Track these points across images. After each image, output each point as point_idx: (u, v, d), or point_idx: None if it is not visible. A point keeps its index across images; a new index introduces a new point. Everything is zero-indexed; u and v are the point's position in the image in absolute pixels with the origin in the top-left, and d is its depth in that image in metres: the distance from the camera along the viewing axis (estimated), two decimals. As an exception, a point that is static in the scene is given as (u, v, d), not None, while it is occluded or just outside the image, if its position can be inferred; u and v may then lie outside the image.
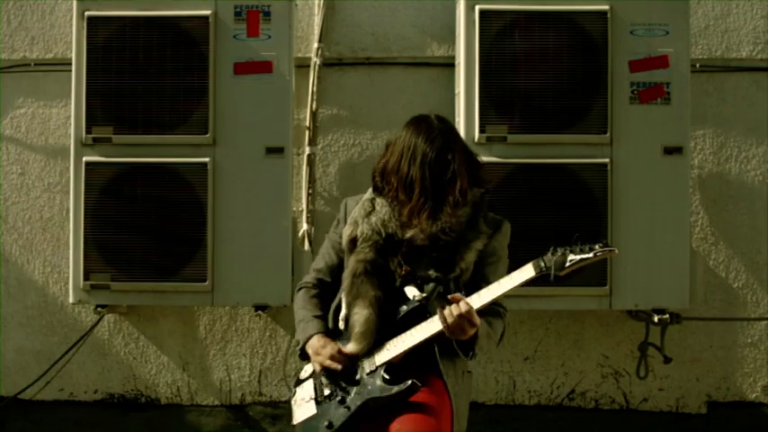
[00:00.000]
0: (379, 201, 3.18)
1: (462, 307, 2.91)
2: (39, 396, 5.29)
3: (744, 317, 5.21)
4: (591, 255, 2.81)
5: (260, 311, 4.94)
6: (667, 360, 5.06)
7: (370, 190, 3.26)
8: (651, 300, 4.78)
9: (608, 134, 4.72)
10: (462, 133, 4.74)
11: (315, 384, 3.15)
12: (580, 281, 4.70)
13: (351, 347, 3.08)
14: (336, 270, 3.28)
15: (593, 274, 4.70)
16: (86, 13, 4.78)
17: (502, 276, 3.13)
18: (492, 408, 5.22)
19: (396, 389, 2.99)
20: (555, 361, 5.23)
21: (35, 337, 5.32)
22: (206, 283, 4.77)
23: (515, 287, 2.95)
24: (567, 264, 2.82)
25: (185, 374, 5.30)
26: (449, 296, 2.96)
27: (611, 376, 5.22)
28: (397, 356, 3.03)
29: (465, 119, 4.75)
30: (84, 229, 4.78)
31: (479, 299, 2.96)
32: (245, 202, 4.79)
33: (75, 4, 4.83)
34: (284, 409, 5.26)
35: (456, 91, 4.94)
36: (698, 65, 5.11)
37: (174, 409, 5.30)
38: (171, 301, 4.92)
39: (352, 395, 3.04)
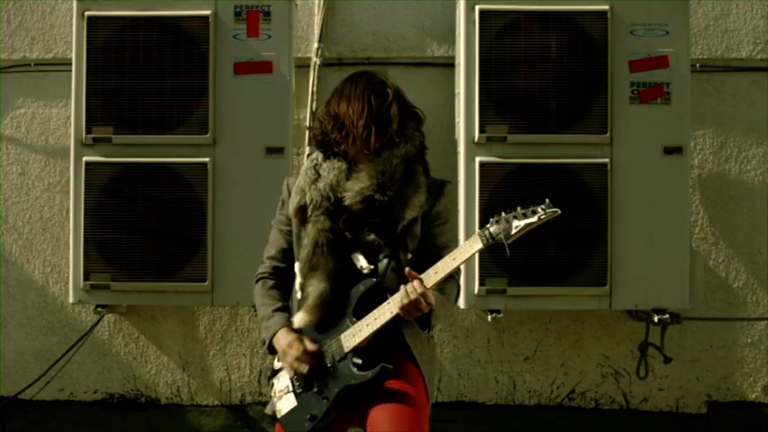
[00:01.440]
0: (324, 165, 3.18)
1: (418, 288, 2.91)
2: (39, 396, 5.28)
3: (744, 317, 5.21)
4: (535, 219, 2.78)
5: (260, 311, 4.94)
6: (667, 360, 5.06)
7: (307, 162, 3.24)
8: (651, 300, 4.78)
9: (608, 134, 4.72)
10: (462, 133, 4.75)
11: (291, 376, 3.15)
12: (580, 281, 4.71)
13: (299, 319, 3.08)
14: (289, 253, 3.24)
15: (594, 274, 4.71)
16: (86, 13, 4.78)
17: (451, 238, 3.14)
18: (492, 408, 5.22)
19: (370, 374, 2.99)
20: (555, 361, 5.23)
21: (35, 337, 5.32)
22: (206, 283, 4.77)
23: (467, 259, 2.92)
24: (513, 231, 2.79)
25: (185, 374, 5.30)
26: (405, 271, 2.95)
27: (611, 376, 5.22)
28: (362, 341, 3.03)
29: (465, 119, 4.75)
30: (84, 229, 4.78)
31: (435, 275, 2.94)
32: (245, 202, 4.78)
33: (75, 4, 4.83)
34: (284, 409, 5.26)
35: (456, 91, 4.94)
36: (698, 65, 5.11)
37: (174, 409, 5.30)
38: (171, 301, 4.92)
39: (329, 385, 3.05)
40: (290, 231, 3.21)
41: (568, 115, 4.72)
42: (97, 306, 4.90)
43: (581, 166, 4.71)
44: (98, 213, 4.78)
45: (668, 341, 5.07)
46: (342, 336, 3.06)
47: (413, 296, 2.90)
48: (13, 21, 5.31)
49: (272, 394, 3.21)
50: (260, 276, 3.32)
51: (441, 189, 3.16)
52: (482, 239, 2.85)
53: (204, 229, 4.77)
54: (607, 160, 4.72)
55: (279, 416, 3.15)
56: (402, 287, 2.95)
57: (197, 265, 4.77)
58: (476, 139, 4.72)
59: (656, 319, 4.86)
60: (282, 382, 3.17)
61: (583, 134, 4.72)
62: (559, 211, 2.76)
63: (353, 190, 3.08)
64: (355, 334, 3.03)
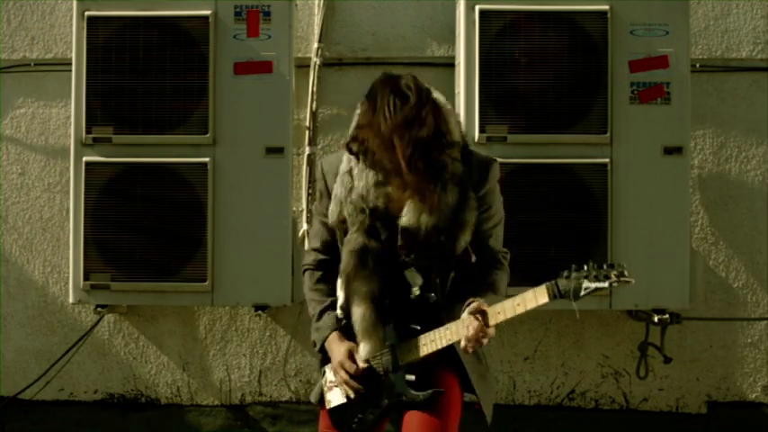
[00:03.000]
0: (356, 170, 3.06)
1: (479, 324, 2.88)
2: (39, 396, 5.28)
3: (744, 317, 5.21)
4: (606, 285, 2.69)
5: (260, 311, 4.94)
6: (667, 360, 5.06)
7: (345, 159, 3.11)
8: (651, 300, 4.78)
9: (608, 134, 4.72)
10: (462, 133, 4.75)
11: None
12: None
13: (364, 350, 3.07)
14: (332, 245, 3.19)
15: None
16: (86, 13, 4.78)
17: (496, 222, 3.11)
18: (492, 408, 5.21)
19: (421, 396, 2.99)
20: (555, 361, 5.23)
21: (35, 337, 5.32)
22: (206, 283, 4.77)
23: (531, 309, 2.86)
24: (582, 293, 2.72)
25: (185, 374, 5.30)
26: (472, 306, 2.91)
27: (611, 376, 5.22)
28: (417, 359, 3.02)
29: (465, 119, 4.74)
30: (84, 229, 4.78)
31: (498, 316, 2.90)
32: (245, 202, 4.79)
33: (75, 4, 4.83)
34: (284, 409, 5.26)
35: (456, 91, 4.94)
36: (698, 65, 5.11)
37: (174, 409, 5.30)
38: (171, 301, 4.92)
39: (380, 394, 3.05)
40: (332, 226, 3.17)
41: (568, 115, 4.72)
42: (97, 306, 4.90)
43: (581, 166, 4.72)
44: (98, 213, 4.78)
45: (668, 341, 5.07)
46: (396, 346, 3.05)
47: (474, 331, 2.87)
48: (13, 21, 5.31)
49: (323, 381, 3.21)
50: (306, 267, 3.29)
51: (485, 175, 3.10)
52: (549, 293, 2.79)
53: (204, 229, 4.77)
54: (607, 160, 4.72)
55: (328, 406, 3.17)
56: (467, 319, 2.90)
57: (197, 265, 4.77)
58: (476, 139, 4.72)
59: (656, 319, 4.86)
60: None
61: (583, 134, 4.72)
62: (633, 281, 2.66)
63: (412, 215, 3.00)
64: (411, 350, 3.01)
